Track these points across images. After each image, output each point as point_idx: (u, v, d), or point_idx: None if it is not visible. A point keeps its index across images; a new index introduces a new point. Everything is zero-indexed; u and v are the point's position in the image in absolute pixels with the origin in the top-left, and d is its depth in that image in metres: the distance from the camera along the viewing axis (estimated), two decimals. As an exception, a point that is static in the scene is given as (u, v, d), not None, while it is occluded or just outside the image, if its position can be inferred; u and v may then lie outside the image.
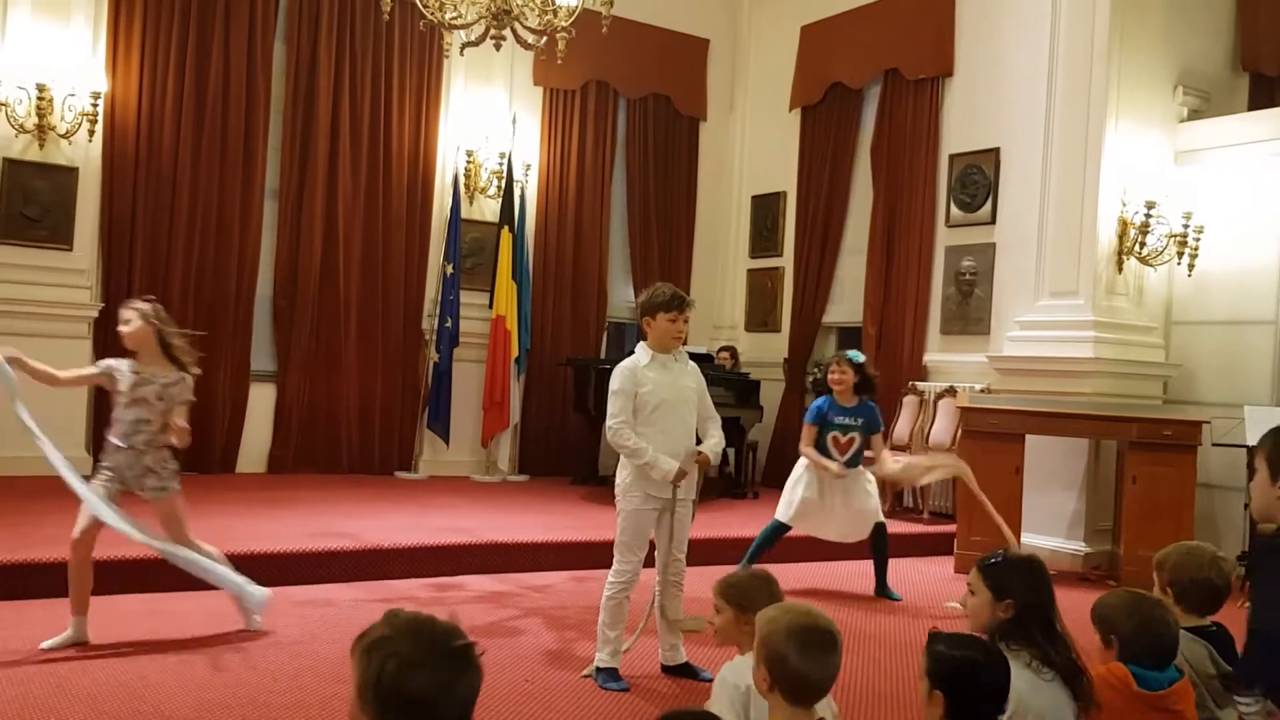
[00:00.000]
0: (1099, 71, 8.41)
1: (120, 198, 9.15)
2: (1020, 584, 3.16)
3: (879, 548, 7.05)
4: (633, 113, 11.87)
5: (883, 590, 7.05)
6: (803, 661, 2.55)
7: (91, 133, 8.82)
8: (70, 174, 8.88)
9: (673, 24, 11.94)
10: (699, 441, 5.05)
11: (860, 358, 6.97)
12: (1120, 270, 8.56)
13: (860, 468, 6.90)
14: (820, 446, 6.82)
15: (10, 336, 8.54)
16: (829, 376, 6.89)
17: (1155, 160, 8.68)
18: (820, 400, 6.94)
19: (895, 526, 8.97)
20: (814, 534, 6.98)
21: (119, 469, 5.08)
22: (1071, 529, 8.41)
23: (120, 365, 5.10)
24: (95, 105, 8.76)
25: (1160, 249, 8.58)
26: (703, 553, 6.01)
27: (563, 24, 6.97)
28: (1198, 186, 8.67)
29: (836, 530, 6.94)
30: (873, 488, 6.99)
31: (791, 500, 6.87)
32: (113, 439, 5.10)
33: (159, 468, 5.13)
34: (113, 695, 4.28)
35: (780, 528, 6.90)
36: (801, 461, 6.92)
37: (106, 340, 9.06)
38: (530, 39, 7.09)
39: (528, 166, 11.03)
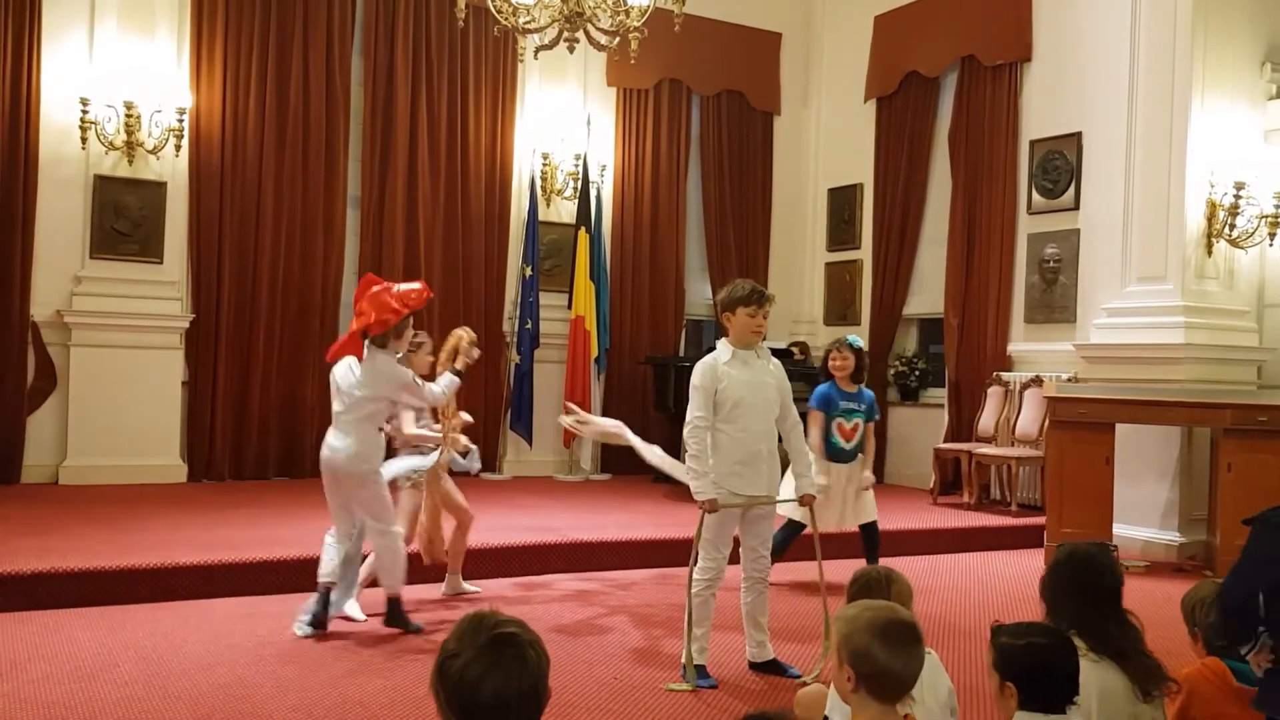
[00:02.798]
0: (1183, 50, 8.21)
1: (207, 210, 9.38)
2: (1051, 570, 3.22)
3: (872, 545, 6.77)
4: (706, 110, 11.86)
5: None
6: (889, 656, 2.54)
7: (178, 148, 9.06)
8: (159, 188, 9.12)
9: (744, 19, 11.90)
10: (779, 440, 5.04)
11: (860, 343, 6.89)
12: (1210, 253, 8.36)
13: (861, 456, 6.75)
14: (825, 433, 6.65)
15: (106, 349, 8.87)
16: (831, 363, 6.74)
17: (1243, 139, 8.44)
18: (825, 386, 6.77)
19: (982, 519, 8.89)
20: (821, 526, 6.72)
21: None
22: (1165, 519, 8.23)
23: None
24: (180, 121, 8.99)
25: (1251, 230, 8.36)
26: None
27: (635, 24, 6.99)
28: (1290, 165, 8.45)
29: (837, 519, 6.64)
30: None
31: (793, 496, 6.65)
32: None
33: None
34: (213, 697, 4.39)
35: (794, 528, 6.61)
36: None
37: (198, 350, 9.32)
38: (603, 40, 7.13)
39: (603, 167, 11.09)
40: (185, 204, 9.28)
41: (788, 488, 6.61)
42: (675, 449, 10.53)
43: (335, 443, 5.42)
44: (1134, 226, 8.53)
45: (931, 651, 3.23)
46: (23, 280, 8.70)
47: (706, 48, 11.44)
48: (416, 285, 5.54)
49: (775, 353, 5.29)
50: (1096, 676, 2.95)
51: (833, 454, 6.65)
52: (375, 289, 5.36)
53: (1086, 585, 3.12)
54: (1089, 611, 3.05)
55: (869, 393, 6.86)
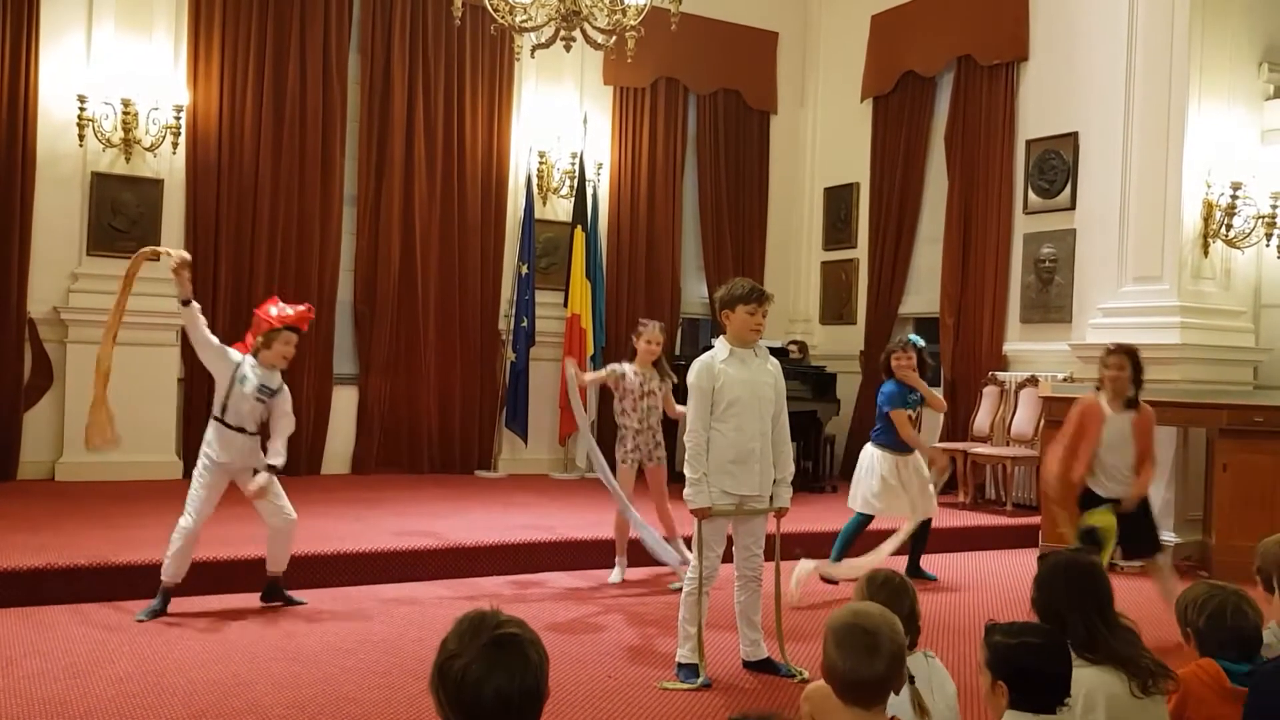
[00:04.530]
0: (1180, 50, 8.22)
1: (204, 208, 9.37)
2: (1043, 582, 3.22)
3: (922, 543, 7.13)
4: (703, 108, 11.86)
5: (917, 572, 7.17)
6: (838, 657, 2.55)
7: (175, 145, 9.06)
8: (155, 186, 9.12)
9: (741, 18, 11.90)
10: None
11: (921, 342, 7.17)
12: (1206, 253, 8.37)
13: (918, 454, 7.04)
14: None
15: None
16: (896, 363, 6.96)
17: (1240, 140, 8.46)
18: (891, 385, 6.98)
19: (978, 519, 8.90)
20: (895, 514, 6.94)
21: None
22: (1161, 519, 8.17)
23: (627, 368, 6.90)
24: (178, 118, 8.98)
25: (1247, 230, 8.37)
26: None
27: (632, 23, 6.99)
28: (1286, 166, 8.46)
29: (912, 508, 6.89)
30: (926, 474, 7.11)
31: (871, 490, 6.87)
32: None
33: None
34: (207, 694, 4.39)
35: (864, 521, 6.94)
36: (869, 449, 6.98)
37: (193, 348, 9.30)
38: (600, 39, 7.13)
39: (599, 165, 11.08)
40: (182, 201, 9.28)
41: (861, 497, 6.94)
42: (671, 448, 10.58)
43: None
44: (1130, 226, 8.54)
45: (934, 656, 3.24)
46: (20, 277, 8.69)
47: (703, 47, 11.44)
48: (300, 308, 6.00)
49: (772, 351, 5.29)
50: (1100, 681, 2.96)
51: (900, 446, 6.86)
52: (269, 306, 5.93)
53: (1082, 594, 3.12)
54: (1087, 619, 3.05)
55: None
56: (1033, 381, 9.29)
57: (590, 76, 11.12)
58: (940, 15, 10.72)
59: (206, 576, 6.00)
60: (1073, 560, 3.25)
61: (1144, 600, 6.60)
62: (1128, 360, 5.87)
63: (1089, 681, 2.95)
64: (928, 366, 7.11)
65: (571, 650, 5.21)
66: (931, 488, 7.05)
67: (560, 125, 10.86)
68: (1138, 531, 5.81)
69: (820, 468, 10.70)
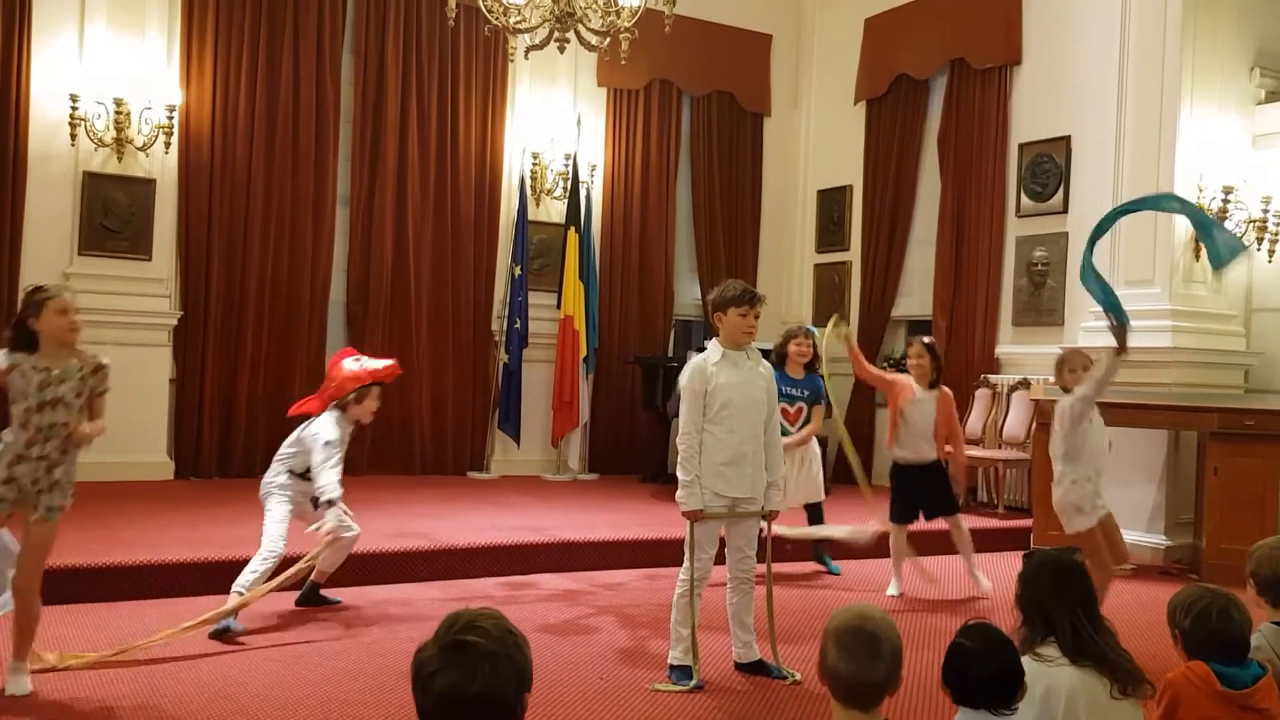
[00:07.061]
0: (1172, 54, 8.24)
1: (196, 208, 9.35)
2: (1029, 579, 3.24)
3: (817, 519, 7.31)
4: (696, 110, 11.86)
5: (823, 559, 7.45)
6: (839, 660, 2.56)
7: (167, 145, 9.04)
8: (148, 185, 9.09)
9: (735, 21, 11.91)
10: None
11: (815, 333, 7.34)
12: (1197, 257, 8.38)
13: (814, 442, 7.21)
14: None
15: (95, 345, 8.76)
16: (795, 347, 7.15)
17: (1232, 144, 8.48)
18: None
19: (970, 521, 8.89)
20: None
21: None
22: (1152, 522, 8.25)
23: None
24: (170, 118, 8.96)
25: (1239, 235, 8.38)
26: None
27: (625, 24, 6.99)
28: (1277, 170, 8.46)
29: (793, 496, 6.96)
30: (818, 463, 7.28)
31: None
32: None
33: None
34: (198, 695, 4.38)
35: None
36: None
37: (185, 348, 9.31)
38: (593, 40, 7.12)
39: (593, 167, 11.08)
40: (174, 201, 9.26)
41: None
42: (664, 448, 10.60)
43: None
44: (1122, 230, 8.51)
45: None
46: (10, 276, 8.64)
47: (697, 49, 11.44)
48: (388, 362, 5.99)
49: (763, 353, 5.30)
50: (1083, 683, 2.96)
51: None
52: (347, 361, 5.87)
53: (1066, 592, 3.14)
54: (1073, 617, 3.07)
55: (817, 379, 7.22)
56: (1024, 384, 9.31)
57: (584, 78, 11.12)
58: (933, 18, 10.74)
59: (196, 577, 5.99)
60: (1058, 558, 3.26)
61: (1131, 603, 6.62)
62: (927, 352, 6.72)
63: (1071, 682, 2.97)
64: (819, 361, 7.17)
65: (563, 652, 5.21)
66: (818, 475, 7.20)
67: (554, 127, 10.85)
68: (939, 493, 6.79)
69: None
